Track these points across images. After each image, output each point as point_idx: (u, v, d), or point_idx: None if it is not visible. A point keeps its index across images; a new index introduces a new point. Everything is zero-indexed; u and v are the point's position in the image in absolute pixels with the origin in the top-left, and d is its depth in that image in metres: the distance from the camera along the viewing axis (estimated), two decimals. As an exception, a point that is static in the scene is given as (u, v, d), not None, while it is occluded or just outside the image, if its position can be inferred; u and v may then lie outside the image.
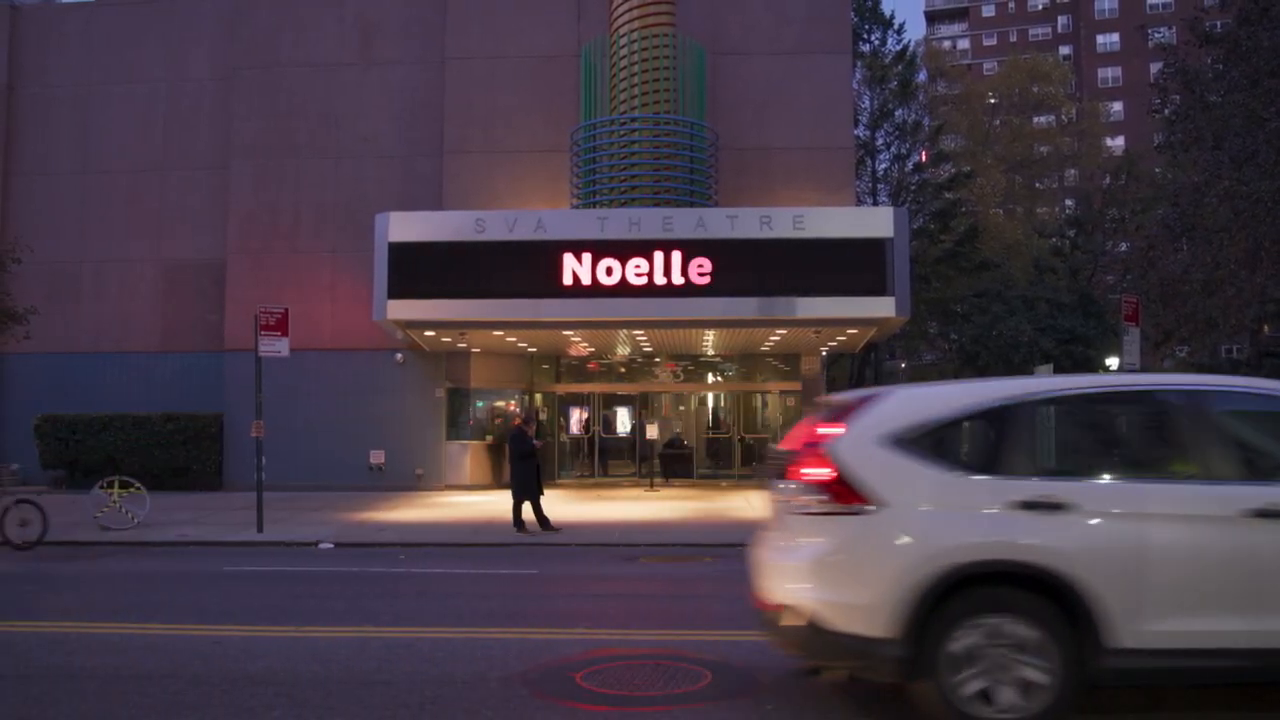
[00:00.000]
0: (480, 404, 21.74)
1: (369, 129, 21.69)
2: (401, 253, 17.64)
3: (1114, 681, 4.96)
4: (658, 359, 23.39)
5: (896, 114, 35.87)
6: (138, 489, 14.99)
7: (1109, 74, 68.54)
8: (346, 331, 21.09)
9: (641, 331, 19.02)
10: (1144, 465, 5.58)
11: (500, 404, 22.00)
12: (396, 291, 17.57)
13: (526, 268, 17.49)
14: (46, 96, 23.14)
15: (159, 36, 23.03)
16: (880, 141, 35.92)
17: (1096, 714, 5.32)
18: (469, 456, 21.21)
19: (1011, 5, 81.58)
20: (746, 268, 17.24)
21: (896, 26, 36.71)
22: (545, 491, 14.74)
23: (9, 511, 12.94)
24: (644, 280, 17.16)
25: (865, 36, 35.44)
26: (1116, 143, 58.92)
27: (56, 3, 25.46)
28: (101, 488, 14.78)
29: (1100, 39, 69.56)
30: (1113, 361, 29.46)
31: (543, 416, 22.22)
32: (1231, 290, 17.21)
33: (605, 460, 23.52)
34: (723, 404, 24.39)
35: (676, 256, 17.14)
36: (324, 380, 21.14)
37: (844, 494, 5.05)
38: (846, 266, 17.22)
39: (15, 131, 23.11)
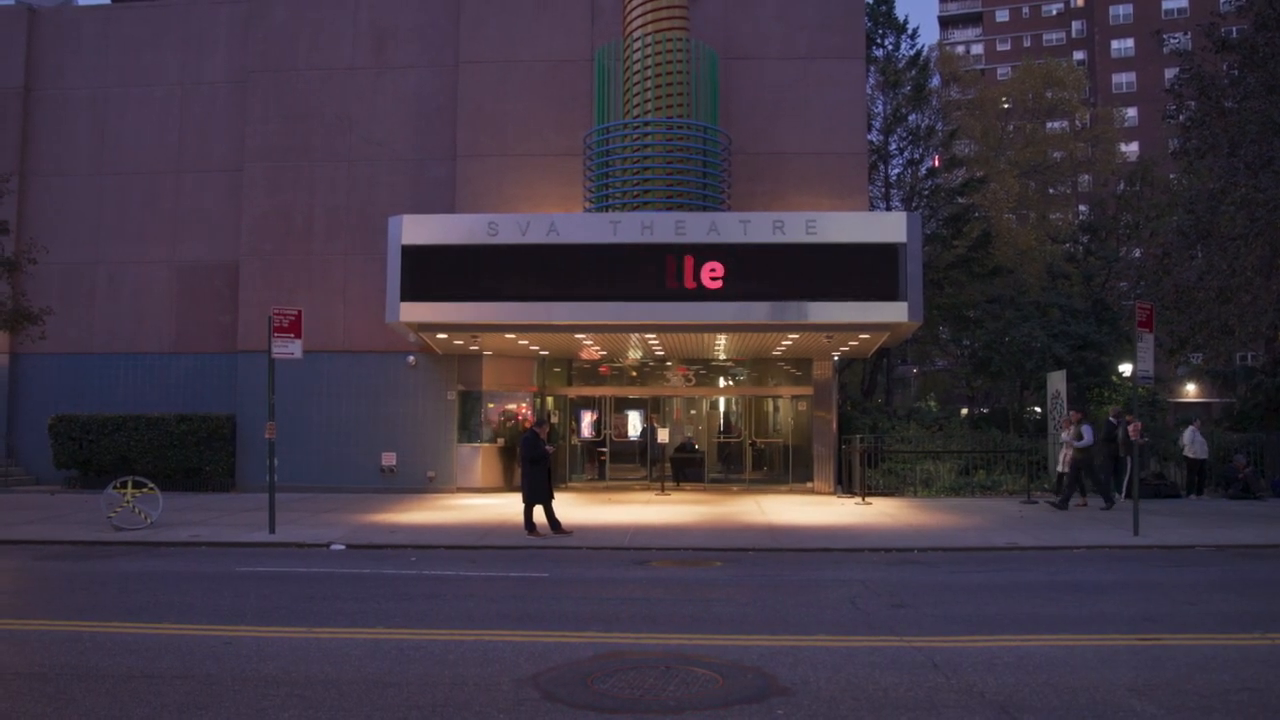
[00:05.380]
0: (492, 407, 21.77)
1: (382, 132, 21.76)
2: (414, 255, 17.68)
3: None
4: (669, 363, 23.39)
5: (910, 119, 35.76)
6: (151, 489, 15.05)
7: (1123, 79, 68.30)
8: (359, 334, 21.17)
9: (653, 335, 19.02)
10: None
11: (512, 407, 22.02)
12: (409, 294, 17.62)
13: (539, 271, 17.54)
14: (63, 98, 23.30)
15: (175, 40, 23.16)
16: (893, 146, 35.82)
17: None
18: (480, 459, 21.25)
19: (1025, 10, 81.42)
20: (759, 272, 17.24)
21: (910, 31, 36.58)
22: (556, 494, 14.75)
23: None
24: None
25: (879, 41, 35.36)
26: (1131, 149, 58.70)
27: (74, 5, 25.62)
28: (115, 488, 14.84)
29: (1115, 44, 69.32)
30: (1126, 368, 29.33)
31: (554, 420, 22.24)
32: (1247, 297, 17.13)
33: (616, 464, 23.52)
34: (734, 408, 24.36)
35: (689, 261, 17.16)
36: (336, 382, 21.22)
37: None
38: (859, 271, 17.20)
39: (32, 133, 23.27)
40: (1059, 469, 18.09)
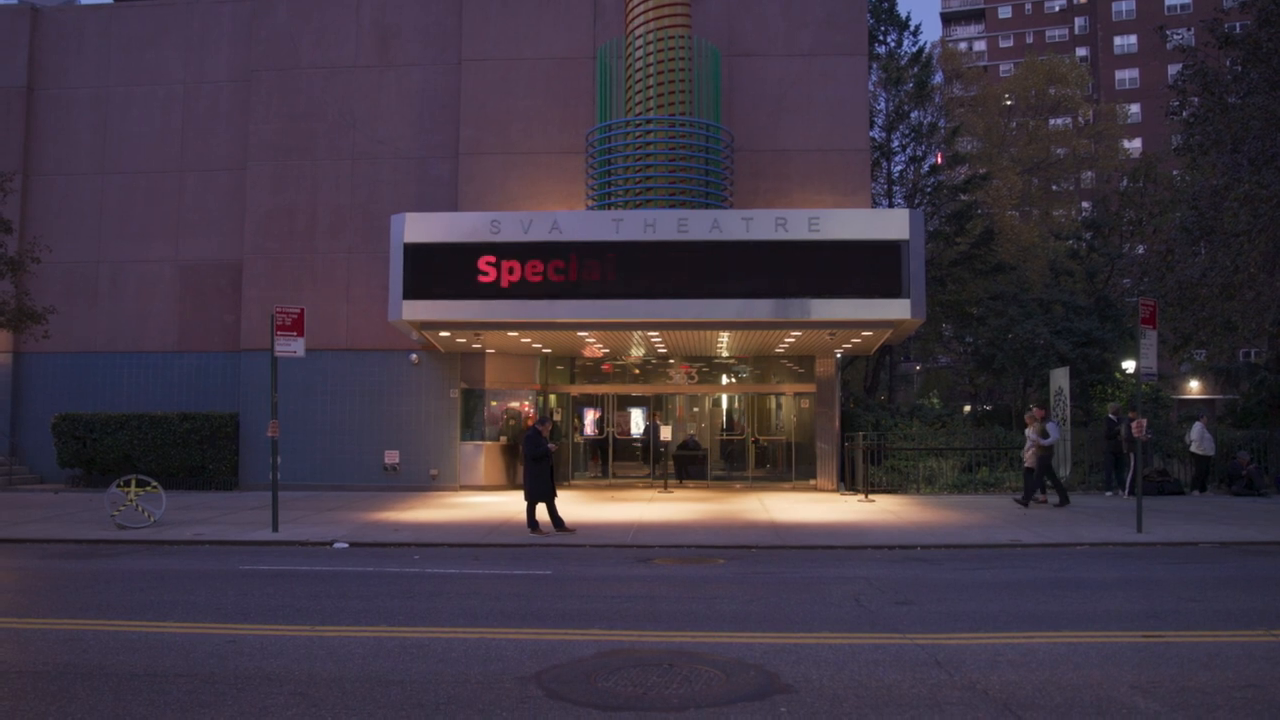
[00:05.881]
0: (494, 404, 21.78)
1: (385, 130, 21.77)
2: (417, 253, 17.69)
3: None
4: (672, 361, 23.39)
5: (912, 116, 35.72)
6: (154, 488, 15.08)
7: (1126, 76, 68.18)
8: (362, 332, 21.19)
9: (656, 333, 19.02)
10: None
11: (515, 405, 22.03)
12: (412, 292, 17.62)
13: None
14: (66, 98, 23.32)
15: (178, 38, 23.17)
16: (896, 143, 35.79)
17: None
18: (483, 457, 21.26)
19: (1028, 7, 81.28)
20: (762, 270, 17.23)
21: (913, 28, 36.57)
22: (559, 492, 14.75)
23: None
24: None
25: (881, 38, 35.34)
26: (1134, 145, 58.63)
27: (76, 4, 25.63)
28: (118, 486, 14.87)
29: (1118, 41, 69.20)
30: (1129, 365, 29.29)
31: (557, 418, 22.25)
32: (1251, 294, 17.08)
33: (619, 461, 23.53)
34: (737, 406, 24.36)
35: (691, 258, 17.14)
36: (339, 380, 21.25)
37: None
38: (862, 269, 17.18)
39: (35, 132, 23.29)
40: (1025, 465, 18.09)
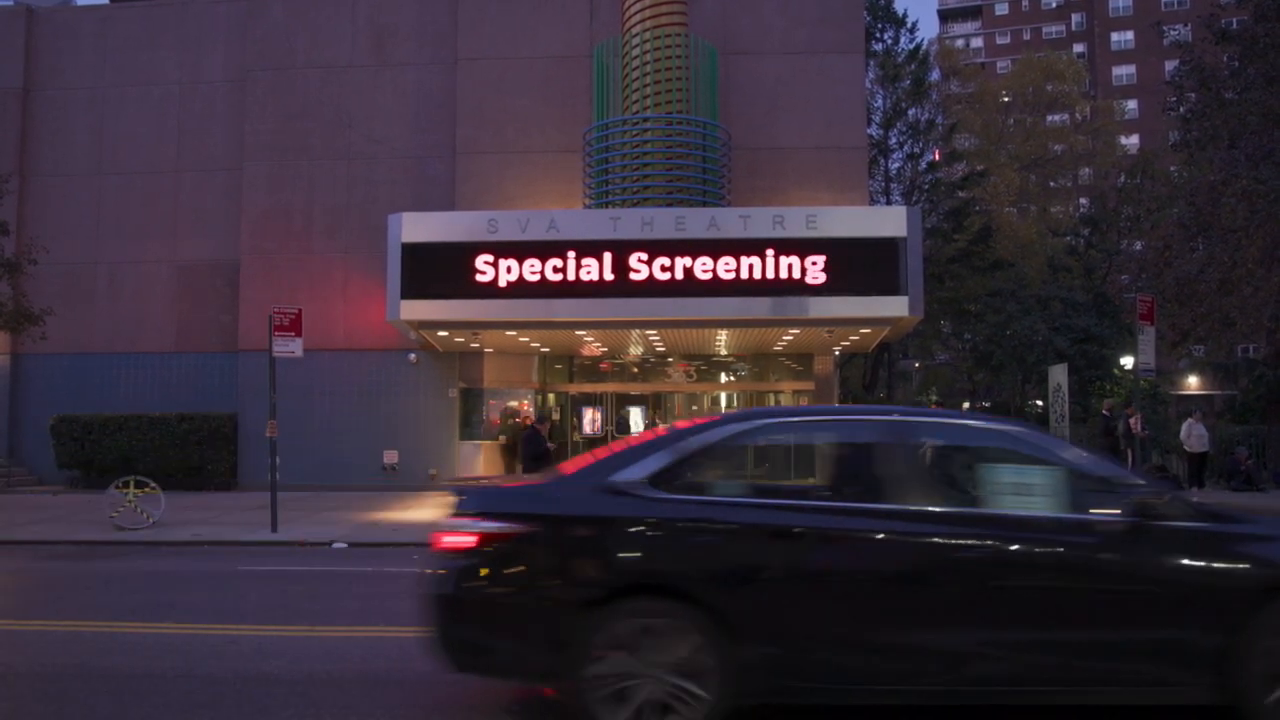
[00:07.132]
0: (493, 404, 21.77)
1: (382, 130, 21.75)
2: (414, 253, 17.68)
3: None
4: (670, 359, 23.38)
5: (909, 113, 35.75)
6: (153, 489, 15.05)
7: (1123, 72, 68.21)
8: (360, 332, 21.16)
9: (654, 331, 19.01)
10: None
11: (513, 404, 22.03)
12: (410, 292, 17.62)
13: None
14: (62, 99, 23.28)
15: (173, 39, 23.14)
16: (893, 141, 35.83)
17: None
18: (482, 457, 21.24)
19: (1025, 3, 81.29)
20: (759, 267, 17.21)
21: (909, 25, 36.62)
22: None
23: None
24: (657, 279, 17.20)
25: (878, 35, 35.36)
26: (1131, 141, 58.64)
27: (72, 5, 25.60)
28: (117, 487, 14.84)
29: (1115, 37, 69.22)
30: (1128, 361, 29.31)
31: (556, 417, 22.24)
32: (1249, 289, 17.10)
33: (618, 460, 23.47)
34: (736, 404, 24.35)
35: (689, 256, 17.15)
36: (337, 380, 21.22)
37: None
38: (859, 266, 17.18)
39: (31, 133, 23.25)
40: None
